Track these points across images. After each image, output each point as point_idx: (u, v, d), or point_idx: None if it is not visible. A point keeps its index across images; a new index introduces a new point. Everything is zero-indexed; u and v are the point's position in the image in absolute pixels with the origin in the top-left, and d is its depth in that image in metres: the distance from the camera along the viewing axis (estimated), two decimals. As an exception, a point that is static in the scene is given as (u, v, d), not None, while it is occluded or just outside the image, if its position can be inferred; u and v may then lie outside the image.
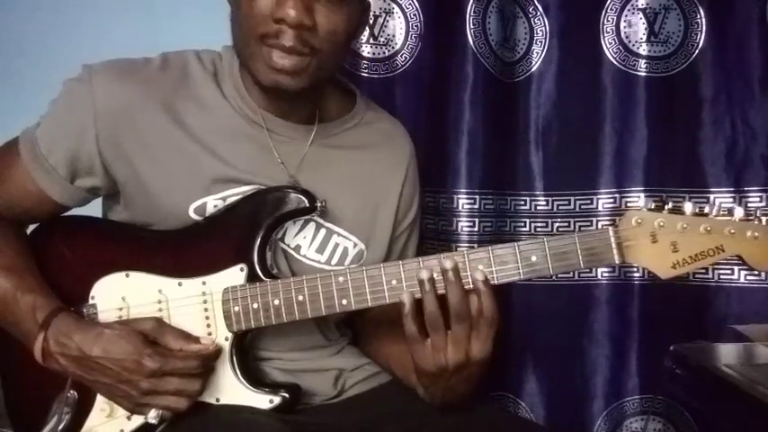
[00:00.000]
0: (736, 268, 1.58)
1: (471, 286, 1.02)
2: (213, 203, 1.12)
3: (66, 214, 1.19)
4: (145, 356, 1.02)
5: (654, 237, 1.03)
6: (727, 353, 1.36)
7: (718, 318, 1.59)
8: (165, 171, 1.11)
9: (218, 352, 1.08)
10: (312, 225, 1.16)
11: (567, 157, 1.65)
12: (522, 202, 1.67)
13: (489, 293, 1.01)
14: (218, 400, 1.09)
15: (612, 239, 1.03)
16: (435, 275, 1.02)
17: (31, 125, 1.15)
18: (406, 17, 1.61)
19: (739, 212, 1.01)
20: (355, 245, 1.20)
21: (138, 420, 1.08)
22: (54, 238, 1.18)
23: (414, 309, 1.02)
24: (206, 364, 1.06)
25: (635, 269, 1.62)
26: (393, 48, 1.62)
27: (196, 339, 1.07)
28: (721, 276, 1.59)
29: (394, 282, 1.06)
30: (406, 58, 1.63)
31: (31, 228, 1.20)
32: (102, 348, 1.03)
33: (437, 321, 1.01)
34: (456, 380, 1.05)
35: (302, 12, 1.02)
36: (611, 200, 1.63)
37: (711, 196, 1.60)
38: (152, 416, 1.05)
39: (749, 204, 1.58)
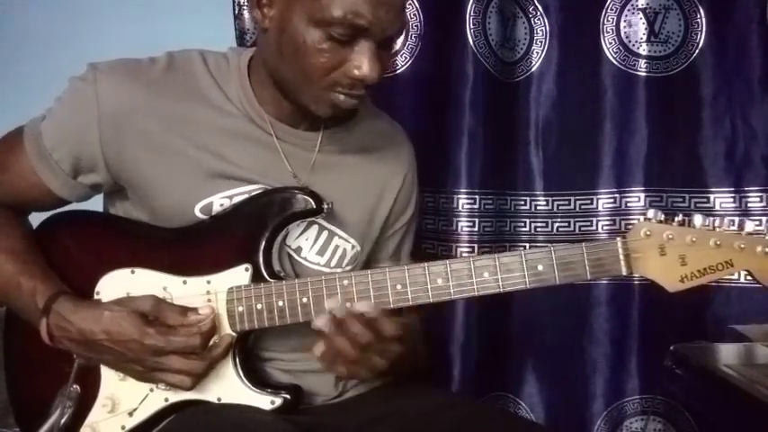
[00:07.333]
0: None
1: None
2: (219, 202, 1.12)
3: (73, 209, 1.20)
4: (146, 336, 1.04)
5: (662, 249, 1.02)
6: (727, 353, 1.36)
7: (718, 318, 1.59)
8: (170, 171, 1.11)
9: (216, 327, 1.08)
10: (315, 227, 1.17)
11: (567, 157, 1.65)
12: (522, 202, 1.67)
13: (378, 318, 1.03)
14: (219, 399, 1.09)
15: (620, 251, 1.02)
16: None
17: (37, 116, 1.15)
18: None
19: (749, 226, 1.00)
20: (353, 246, 1.20)
21: (139, 417, 1.09)
22: (61, 232, 1.18)
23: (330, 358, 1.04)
24: (208, 340, 1.06)
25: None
26: (393, 47, 1.61)
27: (195, 311, 1.08)
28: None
29: (399, 286, 1.06)
30: (406, 57, 1.63)
31: (38, 222, 1.21)
32: (103, 330, 1.04)
33: (352, 357, 1.02)
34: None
35: (378, 70, 1.04)
36: (612, 200, 1.64)
37: (711, 196, 1.60)
38: (162, 386, 1.08)
39: (749, 204, 1.58)
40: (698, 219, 1.01)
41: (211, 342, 1.07)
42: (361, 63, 1.03)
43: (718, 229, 1.01)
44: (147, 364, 1.05)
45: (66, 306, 1.06)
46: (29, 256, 1.14)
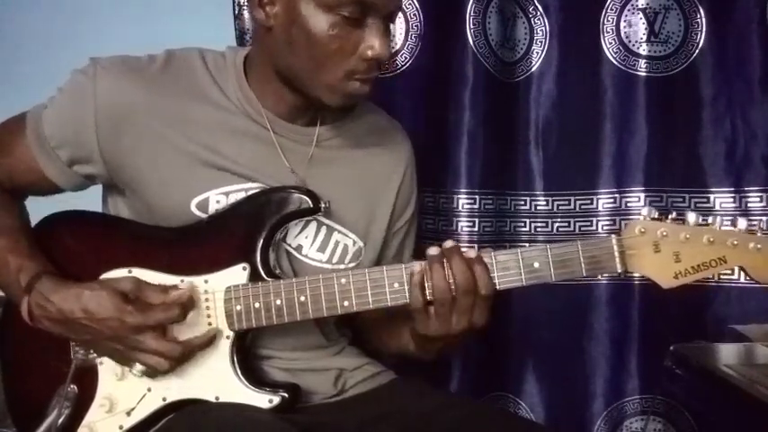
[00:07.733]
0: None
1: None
2: (216, 198, 1.12)
3: (72, 209, 1.20)
4: (125, 313, 1.04)
5: (657, 246, 1.02)
6: (727, 353, 1.36)
7: (718, 318, 1.59)
8: (166, 167, 1.11)
9: (194, 300, 1.09)
10: (314, 224, 1.17)
11: (567, 157, 1.65)
12: (522, 202, 1.67)
13: (485, 269, 1.03)
14: (217, 398, 1.09)
15: (615, 248, 1.03)
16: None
17: (41, 103, 1.17)
18: (405, 17, 1.61)
19: (742, 224, 1.00)
20: (354, 242, 1.21)
21: (137, 417, 1.09)
22: (60, 231, 1.19)
23: (422, 279, 1.03)
24: (186, 312, 1.07)
25: (635, 269, 1.62)
26: (393, 47, 1.62)
27: (174, 288, 1.08)
28: (721, 276, 1.58)
29: (396, 285, 1.06)
30: (406, 58, 1.63)
31: (37, 220, 1.22)
32: (81, 309, 1.05)
33: (444, 292, 1.02)
34: (454, 341, 1.08)
35: (389, 47, 1.08)
36: (612, 200, 1.63)
37: (711, 196, 1.60)
38: (137, 369, 1.07)
39: (749, 204, 1.58)
40: (691, 216, 1.02)
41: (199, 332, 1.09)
42: (374, 43, 1.05)
43: (711, 227, 1.01)
44: (126, 342, 1.05)
45: (48, 286, 1.07)
46: (20, 235, 1.15)
